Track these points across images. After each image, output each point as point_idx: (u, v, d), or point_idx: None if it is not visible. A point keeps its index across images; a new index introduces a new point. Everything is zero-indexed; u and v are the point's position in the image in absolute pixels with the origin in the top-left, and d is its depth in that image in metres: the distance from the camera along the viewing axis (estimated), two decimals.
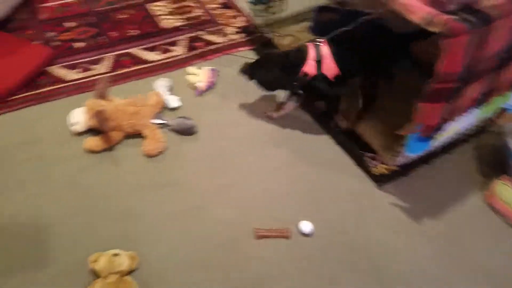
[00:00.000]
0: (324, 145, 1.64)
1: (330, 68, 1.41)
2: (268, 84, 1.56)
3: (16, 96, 1.63)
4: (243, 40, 2.02)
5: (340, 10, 1.87)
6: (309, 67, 1.43)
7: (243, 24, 2.11)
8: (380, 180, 1.50)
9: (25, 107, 1.61)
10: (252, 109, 1.74)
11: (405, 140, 1.33)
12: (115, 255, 1.18)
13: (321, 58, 1.41)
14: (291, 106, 1.63)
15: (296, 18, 2.01)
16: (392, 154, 1.43)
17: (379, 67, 1.44)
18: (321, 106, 1.70)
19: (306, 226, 1.35)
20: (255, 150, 1.60)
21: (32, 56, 1.72)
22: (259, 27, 1.99)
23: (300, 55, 1.44)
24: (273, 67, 1.49)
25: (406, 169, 1.52)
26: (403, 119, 1.28)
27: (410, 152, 1.39)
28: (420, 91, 1.13)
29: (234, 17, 2.15)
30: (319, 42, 1.44)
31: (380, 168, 1.50)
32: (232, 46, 1.98)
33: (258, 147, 1.61)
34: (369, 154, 1.55)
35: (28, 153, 1.47)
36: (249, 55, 1.94)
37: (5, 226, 1.29)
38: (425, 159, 1.55)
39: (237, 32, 2.06)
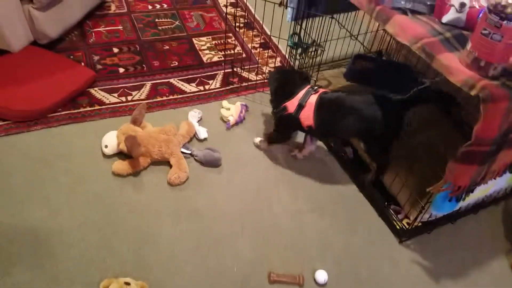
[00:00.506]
0: (347, 191, 1.63)
1: (307, 117, 1.46)
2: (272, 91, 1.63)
3: (56, 113, 1.73)
4: None
5: (376, 59, 1.90)
6: (291, 105, 1.49)
7: (279, 64, 2.18)
8: (402, 234, 1.46)
9: (63, 124, 1.70)
10: (278, 146, 1.75)
11: (433, 197, 1.30)
12: (127, 283, 1.18)
13: (304, 104, 1.45)
14: (311, 147, 1.67)
15: (332, 64, 2.06)
16: (418, 210, 1.39)
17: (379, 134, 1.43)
18: (349, 153, 1.70)
19: (321, 276, 1.32)
20: (277, 189, 1.61)
21: (76, 77, 1.83)
22: (295, 68, 2.04)
23: (293, 89, 1.50)
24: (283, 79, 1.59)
25: (430, 226, 1.48)
26: (434, 175, 1.25)
27: (437, 211, 1.35)
28: (455, 150, 1.11)
29: (272, 57, 2.22)
30: (316, 89, 1.49)
31: (403, 223, 1.47)
32: (266, 85, 2.03)
33: (281, 186, 1.62)
34: (394, 207, 1.52)
35: (58, 169, 1.54)
36: None
37: (23, 238, 1.33)
38: (451, 217, 1.50)
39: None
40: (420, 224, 1.45)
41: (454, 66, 1.04)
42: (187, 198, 1.53)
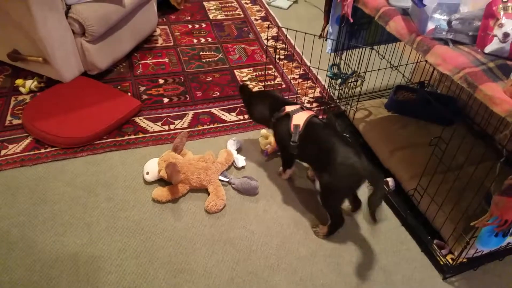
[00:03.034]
0: (389, 225, 1.63)
1: (298, 118, 1.55)
2: (251, 111, 1.76)
3: (102, 141, 1.89)
4: (317, 109, 2.15)
5: (418, 90, 1.92)
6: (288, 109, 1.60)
7: (319, 94, 2.26)
8: (446, 271, 1.44)
9: (108, 151, 1.86)
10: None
11: (479, 232, 1.27)
12: None
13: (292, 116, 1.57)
14: (287, 173, 1.77)
15: (373, 94, 2.10)
16: (463, 246, 1.36)
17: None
18: (391, 186, 1.70)
19: None
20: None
21: (123, 106, 2.01)
22: (335, 99, 2.10)
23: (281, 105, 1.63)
24: (263, 102, 1.70)
25: (476, 262, 1.44)
26: (479, 209, 1.23)
27: (483, 246, 1.32)
28: (500, 183, 1.10)
29: (312, 87, 2.31)
30: (304, 107, 1.61)
31: (447, 258, 1.45)
32: None
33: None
34: (437, 242, 1.50)
35: (100, 195, 1.67)
36: None
37: (63, 263, 1.45)
38: (498, 254, 1.46)
39: (312, 102, 2.20)
40: (465, 260, 1.42)
41: (498, 96, 1.06)
42: (224, 226, 1.59)
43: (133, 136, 1.93)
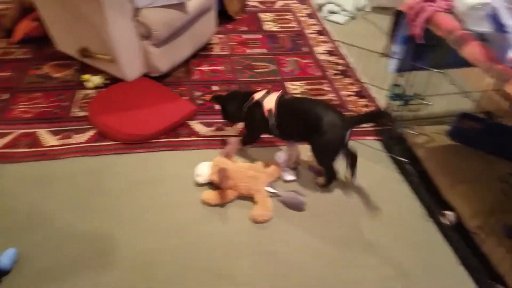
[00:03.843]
0: (446, 263, 1.54)
1: (269, 102, 1.70)
2: (227, 112, 1.86)
3: (158, 140, 1.95)
4: (371, 129, 2.09)
5: (485, 120, 1.82)
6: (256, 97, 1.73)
7: None
8: None
9: (163, 150, 1.91)
10: (367, 197, 1.75)
11: None
12: None
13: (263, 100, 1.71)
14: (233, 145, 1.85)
15: (434, 120, 2.01)
16: None
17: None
18: (451, 219, 1.61)
19: None
20: (363, 248, 1.57)
21: (179, 109, 2.07)
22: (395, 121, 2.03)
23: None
24: (235, 100, 1.82)
25: None
26: None
27: None
28: None
29: (366, 106, 2.26)
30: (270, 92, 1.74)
31: None
32: (358, 133, 2.06)
33: (367, 245, 1.58)
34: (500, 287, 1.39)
35: (152, 192, 1.72)
36: (374, 145, 1.99)
37: (120, 252, 1.50)
38: None
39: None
40: None
41: None
42: (267, 238, 1.58)
43: (186, 138, 1.97)
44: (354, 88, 2.38)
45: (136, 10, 2.02)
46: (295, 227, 1.63)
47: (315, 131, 1.59)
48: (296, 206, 1.69)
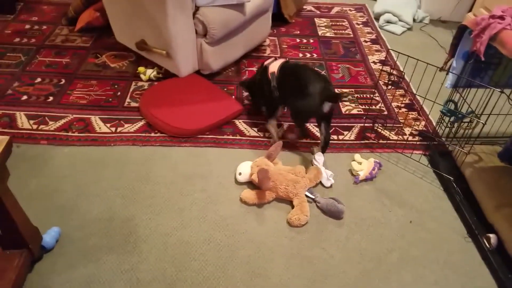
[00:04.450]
0: (485, 285, 1.47)
1: (273, 66, 1.93)
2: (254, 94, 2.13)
3: (204, 136, 2.00)
4: (419, 143, 2.03)
5: None
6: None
7: (424, 128, 2.13)
8: None
9: (208, 146, 1.96)
10: (407, 212, 1.69)
11: None
12: None
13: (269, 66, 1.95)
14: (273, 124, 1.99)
15: (486, 139, 1.92)
16: None
17: None
18: (493, 242, 1.54)
19: None
20: (399, 265, 1.54)
21: (227, 107, 2.11)
22: (442, 137, 1.96)
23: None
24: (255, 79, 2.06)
25: None
26: None
27: None
28: None
29: (417, 119, 2.19)
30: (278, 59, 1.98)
31: None
32: (404, 146, 2.00)
33: (403, 262, 1.55)
34: None
35: (195, 185, 1.77)
36: (420, 160, 1.94)
37: (154, 241, 1.55)
38: None
39: (415, 135, 2.08)
40: None
41: None
42: (303, 243, 1.57)
43: (231, 137, 2.01)
44: (406, 100, 2.32)
45: (196, 8, 2.09)
46: (332, 234, 1.61)
47: (299, 96, 1.78)
48: (334, 214, 1.67)
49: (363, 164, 1.86)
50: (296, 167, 1.77)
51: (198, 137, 1.99)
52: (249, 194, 1.70)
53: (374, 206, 1.73)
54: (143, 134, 1.99)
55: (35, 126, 1.99)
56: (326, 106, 1.76)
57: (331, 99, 1.77)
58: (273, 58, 1.99)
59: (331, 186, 1.79)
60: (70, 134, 1.96)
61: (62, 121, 2.03)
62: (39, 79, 2.29)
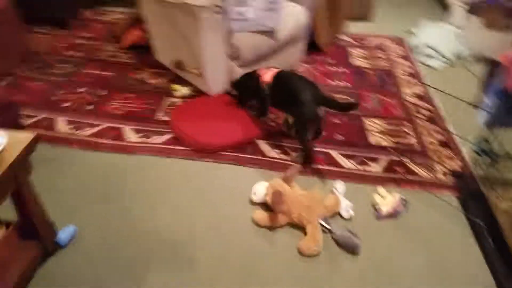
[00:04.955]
0: None
1: (265, 75, 2.05)
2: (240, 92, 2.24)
3: (225, 152, 2.02)
4: (450, 184, 1.91)
5: None
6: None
7: (457, 168, 2.00)
8: None
9: (227, 163, 1.97)
10: (430, 257, 1.58)
11: None
12: None
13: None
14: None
15: None
16: None
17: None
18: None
19: None
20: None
21: (251, 128, 2.13)
22: (476, 179, 1.83)
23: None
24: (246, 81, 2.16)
25: None
26: None
27: None
28: None
29: (450, 158, 2.07)
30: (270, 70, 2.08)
31: None
32: (434, 185, 1.90)
33: None
34: None
35: (208, 199, 1.77)
36: (451, 201, 1.81)
37: (163, 248, 1.54)
38: None
39: (447, 174, 1.97)
40: None
41: None
42: (311, 273, 1.51)
43: (251, 156, 2.01)
44: (439, 137, 2.21)
45: (229, 33, 2.16)
46: (344, 269, 1.53)
47: (294, 104, 1.85)
48: (349, 248, 1.59)
49: (387, 198, 1.77)
50: (313, 192, 1.73)
51: (220, 153, 2.01)
52: (261, 216, 1.66)
53: (394, 246, 1.63)
54: (168, 146, 2.04)
55: (71, 131, 2.11)
56: (320, 112, 1.87)
57: (325, 104, 1.88)
58: (265, 68, 2.08)
59: (350, 218, 1.72)
60: (101, 141, 2.05)
61: (96, 129, 2.13)
62: (82, 89, 2.44)
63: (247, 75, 2.16)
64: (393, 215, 1.73)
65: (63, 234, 1.53)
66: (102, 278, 1.45)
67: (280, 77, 2.00)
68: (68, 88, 2.45)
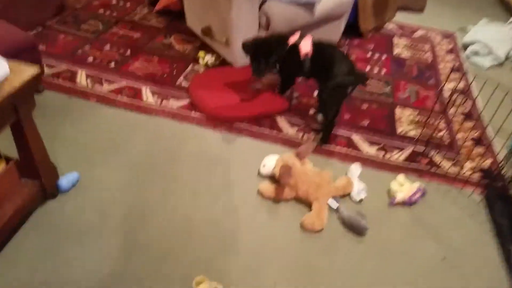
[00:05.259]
0: None
1: (305, 46, 1.85)
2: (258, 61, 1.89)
3: (241, 124, 1.98)
4: (477, 181, 1.78)
5: None
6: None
7: (488, 166, 1.86)
8: None
9: (241, 135, 1.94)
10: (442, 249, 1.48)
11: None
12: None
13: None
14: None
15: None
16: None
17: None
18: None
19: None
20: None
21: (273, 102, 2.09)
22: (505, 179, 1.70)
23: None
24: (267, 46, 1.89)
25: None
26: None
27: None
28: None
29: (481, 155, 1.93)
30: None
31: None
32: (459, 180, 1.78)
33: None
34: None
35: (218, 169, 1.75)
36: (474, 198, 1.70)
37: (156, 215, 1.53)
38: None
39: (475, 171, 1.83)
40: None
41: None
42: (311, 250, 1.46)
43: (267, 131, 1.96)
44: (473, 133, 2.06)
45: (263, 1, 2.10)
46: (346, 249, 1.47)
47: (328, 75, 1.77)
48: (355, 229, 1.52)
49: (405, 186, 1.67)
50: (323, 171, 1.66)
51: (234, 124, 1.98)
52: (267, 187, 1.62)
53: (404, 234, 1.55)
54: (185, 112, 2.03)
55: (90, 85, 2.14)
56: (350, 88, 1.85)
57: (359, 80, 1.84)
58: (298, 35, 1.89)
59: (360, 201, 1.64)
60: (118, 98, 2.07)
61: (116, 86, 2.16)
62: (108, 47, 2.48)
63: (272, 39, 1.92)
64: (407, 203, 1.65)
65: (65, 180, 1.55)
66: (98, 226, 1.46)
67: (318, 47, 1.86)
68: (94, 44, 2.49)
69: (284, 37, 1.90)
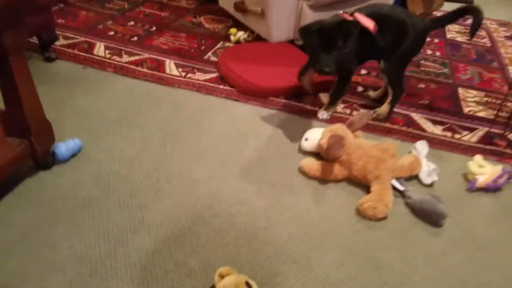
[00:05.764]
0: None
1: (364, 21, 1.38)
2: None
3: (276, 99, 1.64)
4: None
5: None
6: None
7: None
8: None
9: (276, 109, 1.59)
10: None
11: None
12: (248, 285, 0.83)
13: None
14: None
15: None
16: None
17: None
18: None
19: None
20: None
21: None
22: None
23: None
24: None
25: None
26: None
27: None
28: None
29: None
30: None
31: None
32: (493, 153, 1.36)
33: None
34: None
35: (249, 143, 1.40)
36: None
37: (174, 187, 1.20)
38: None
39: None
40: None
41: None
42: (374, 242, 1.07)
43: (308, 106, 1.61)
44: None
45: None
46: (421, 242, 1.07)
47: (403, 36, 1.43)
48: (430, 217, 1.12)
49: (486, 168, 1.27)
50: (385, 143, 1.27)
51: (269, 98, 1.63)
52: (311, 163, 1.25)
53: (491, 224, 1.14)
54: (211, 84, 1.71)
55: (108, 56, 1.86)
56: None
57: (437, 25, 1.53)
58: (348, 13, 1.43)
59: (432, 184, 1.24)
60: (138, 68, 1.77)
61: (136, 57, 1.87)
62: (132, 23, 2.21)
63: (335, 22, 1.31)
64: (491, 188, 1.24)
65: (64, 146, 1.23)
66: (98, 202, 1.13)
67: (375, 15, 1.41)
68: (118, 20, 2.23)
69: (343, 18, 1.36)
